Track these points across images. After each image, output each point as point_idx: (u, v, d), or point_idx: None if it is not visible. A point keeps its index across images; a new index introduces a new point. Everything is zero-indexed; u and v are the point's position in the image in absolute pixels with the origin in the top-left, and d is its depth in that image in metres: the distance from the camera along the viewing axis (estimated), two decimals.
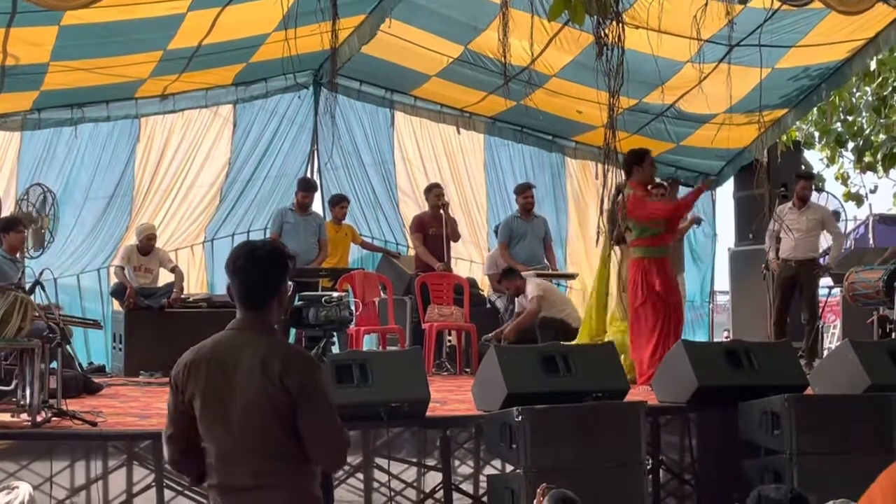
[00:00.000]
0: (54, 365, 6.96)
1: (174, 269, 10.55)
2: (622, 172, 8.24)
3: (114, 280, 10.67)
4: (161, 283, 10.53)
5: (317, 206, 11.00)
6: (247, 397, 3.49)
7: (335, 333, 4.68)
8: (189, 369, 3.58)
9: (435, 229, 10.72)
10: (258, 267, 3.59)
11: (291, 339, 8.79)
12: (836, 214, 11.72)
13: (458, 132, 12.70)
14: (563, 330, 9.68)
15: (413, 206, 12.42)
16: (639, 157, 8.56)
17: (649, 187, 8.74)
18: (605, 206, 8.10)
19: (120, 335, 10.19)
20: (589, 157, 12.77)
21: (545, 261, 11.06)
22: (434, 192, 10.97)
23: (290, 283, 3.73)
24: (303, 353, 3.87)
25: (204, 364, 3.56)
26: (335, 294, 4.16)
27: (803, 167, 13.74)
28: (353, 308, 4.35)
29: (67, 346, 7.59)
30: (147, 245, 10.44)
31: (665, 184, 10.36)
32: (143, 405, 7.46)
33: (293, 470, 3.56)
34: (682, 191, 11.56)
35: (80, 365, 8.69)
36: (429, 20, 10.38)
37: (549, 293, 10.10)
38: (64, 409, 6.40)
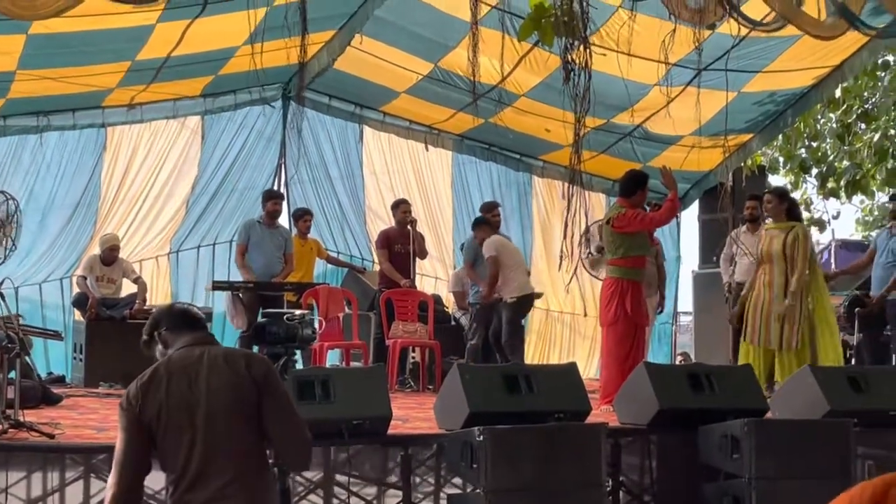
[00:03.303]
0: (12, 375, 6.90)
1: (137, 280, 10.50)
2: (587, 195, 8.23)
3: (76, 290, 10.61)
4: (124, 294, 10.48)
5: (282, 220, 10.95)
6: (213, 396, 3.56)
7: (297, 351, 4.66)
8: (146, 389, 3.60)
9: (401, 245, 10.70)
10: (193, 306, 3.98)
11: None
12: None
13: (427, 149, 12.72)
14: (512, 309, 9.79)
15: (380, 221, 12.42)
16: (643, 180, 8.54)
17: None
18: (595, 226, 7.99)
19: (81, 345, 10.12)
20: (556, 176, 12.81)
21: None
22: (401, 209, 10.95)
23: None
24: (259, 354, 4.06)
25: (163, 379, 3.60)
26: (297, 312, 4.13)
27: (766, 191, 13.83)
28: (315, 326, 4.31)
29: (26, 357, 7.52)
30: (110, 256, 10.38)
31: (647, 208, 10.19)
32: (102, 417, 7.39)
33: (256, 475, 3.60)
34: None
35: (38, 376, 8.61)
36: (399, 37, 10.40)
37: (502, 253, 10.02)
38: (21, 420, 6.34)
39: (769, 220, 9.11)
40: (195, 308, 3.97)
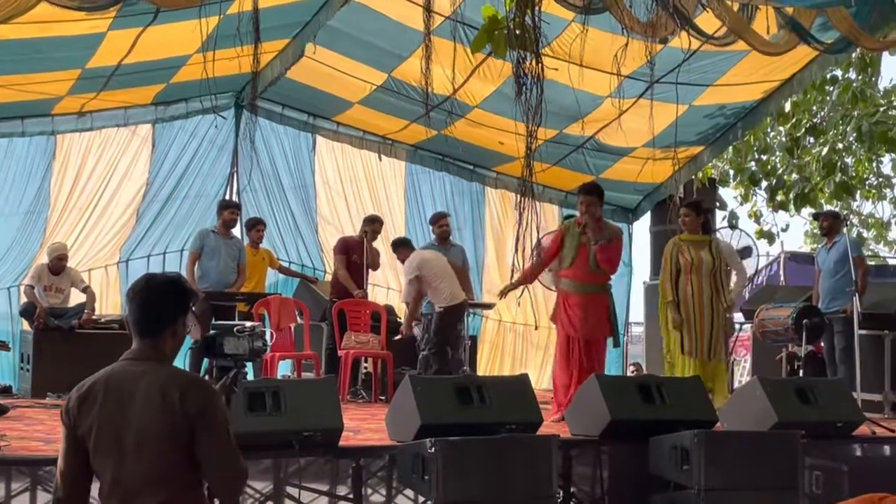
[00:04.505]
0: None
1: (86, 290, 10.39)
2: (539, 206, 8.25)
3: (24, 299, 10.47)
4: (72, 303, 10.35)
5: (235, 230, 10.87)
6: (143, 423, 3.46)
7: (247, 364, 4.62)
8: (82, 402, 3.53)
9: (357, 256, 10.63)
10: (155, 293, 3.62)
11: (204, 368, 8.68)
12: (748, 250, 11.87)
13: (380, 159, 12.69)
14: (440, 318, 9.69)
15: (333, 230, 12.38)
16: (581, 191, 8.56)
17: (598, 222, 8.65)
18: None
19: (28, 355, 10.00)
20: (509, 187, 12.85)
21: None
22: (374, 227, 10.81)
23: (190, 319, 3.73)
24: (201, 380, 3.89)
25: (100, 395, 3.52)
26: (248, 324, 4.08)
27: (717, 204, 13.95)
28: (267, 339, 4.28)
29: None
30: (58, 265, 10.26)
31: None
32: (49, 428, 7.30)
33: (188, 500, 3.53)
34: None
35: None
36: (353, 47, 10.39)
37: (424, 269, 9.79)
38: None
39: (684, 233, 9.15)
40: (155, 297, 3.62)
